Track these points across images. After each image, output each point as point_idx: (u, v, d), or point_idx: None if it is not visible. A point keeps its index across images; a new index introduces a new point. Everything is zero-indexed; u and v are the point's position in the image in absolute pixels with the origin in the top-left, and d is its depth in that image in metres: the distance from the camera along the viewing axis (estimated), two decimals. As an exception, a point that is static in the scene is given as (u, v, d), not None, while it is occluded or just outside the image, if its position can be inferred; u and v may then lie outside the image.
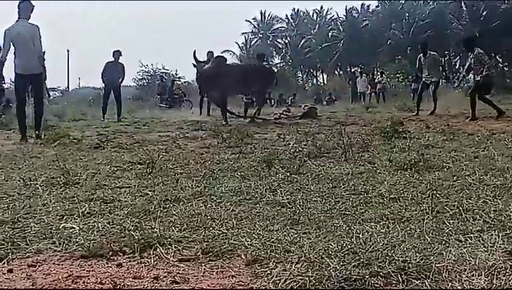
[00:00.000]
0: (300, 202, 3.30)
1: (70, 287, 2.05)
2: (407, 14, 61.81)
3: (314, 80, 71.14)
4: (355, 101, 30.70)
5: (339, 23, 68.39)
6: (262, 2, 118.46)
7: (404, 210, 3.03)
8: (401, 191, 3.53)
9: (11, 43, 8.58)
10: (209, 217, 2.97)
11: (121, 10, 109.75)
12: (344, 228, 2.70)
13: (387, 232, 2.57)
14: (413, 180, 3.96)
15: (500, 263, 2.07)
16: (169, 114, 18.94)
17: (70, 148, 6.66)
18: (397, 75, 48.71)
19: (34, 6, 8.82)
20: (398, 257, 2.15)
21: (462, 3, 56.73)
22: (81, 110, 16.78)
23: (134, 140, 8.09)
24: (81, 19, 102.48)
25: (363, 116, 14.51)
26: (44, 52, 9.47)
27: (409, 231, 2.58)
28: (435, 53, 14.38)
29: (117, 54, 15.83)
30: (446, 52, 61.75)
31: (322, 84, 64.43)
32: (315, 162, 4.96)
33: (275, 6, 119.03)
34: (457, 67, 61.56)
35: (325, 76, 71.05)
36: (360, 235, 2.50)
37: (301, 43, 67.93)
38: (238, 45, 74.82)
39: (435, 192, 3.43)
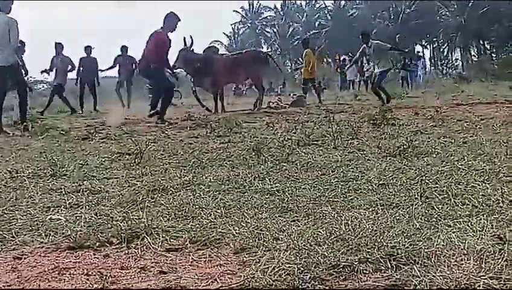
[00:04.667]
0: (289, 190, 3.28)
1: (56, 279, 2.02)
2: (393, 3, 61.76)
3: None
4: (344, 89, 30.72)
5: (327, 12, 68.36)
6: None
7: (393, 196, 3.01)
8: (390, 178, 3.52)
9: None
10: (197, 207, 2.95)
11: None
12: (333, 215, 2.69)
13: (376, 218, 2.56)
14: (402, 166, 3.95)
15: (489, 247, 2.06)
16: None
17: (58, 139, 6.61)
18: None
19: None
20: (387, 243, 2.13)
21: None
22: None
23: (122, 131, 8.04)
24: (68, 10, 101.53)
25: (352, 104, 14.51)
26: (24, 44, 9.47)
27: (397, 217, 2.57)
28: (377, 41, 14.41)
29: (88, 49, 16.20)
30: (434, 39, 61.89)
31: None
32: (304, 150, 4.94)
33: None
34: (445, 54, 61.74)
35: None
36: (349, 222, 2.48)
37: (289, 32, 67.81)
38: (226, 34, 74.56)
39: (423, 178, 3.42)
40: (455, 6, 56.10)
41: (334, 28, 63.22)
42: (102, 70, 17.06)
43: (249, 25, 74.43)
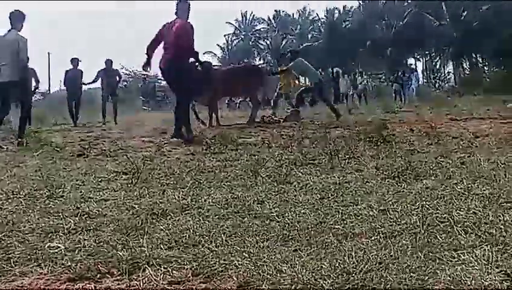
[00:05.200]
0: (289, 215, 3.25)
1: (57, 314, 1.99)
2: (386, 16, 62.08)
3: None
4: (338, 102, 30.77)
5: (319, 24, 68.67)
6: (244, 3, 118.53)
7: (394, 223, 2.99)
8: (390, 203, 3.50)
9: None
10: (197, 233, 2.92)
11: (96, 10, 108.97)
12: (335, 244, 2.66)
13: (379, 249, 2.53)
14: (401, 189, 3.94)
15: (497, 284, 2.05)
16: (152, 117, 18.85)
17: (53, 156, 6.55)
18: (378, 75, 49.04)
19: (25, 16, 9.23)
20: (393, 278, 2.11)
21: (443, 4, 57.05)
22: (63, 114, 16.64)
23: (117, 146, 8.00)
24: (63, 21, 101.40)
25: (345, 119, 14.50)
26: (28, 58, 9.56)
27: (401, 248, 2.55)
28: (302, 60, 14.67)
29: (75, 61, 16.11)
30: (427, 53, 62.19)
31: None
32: (301, 171, 4.92)
33: (256, 7, 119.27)
34: (437, 67, 62.00)
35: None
36: (353, 253, 2.46)
37: (283, 44, 67.99)
38: (220, 46, 74.72)
39: (424, 203, 3.41)
40: (447, 20, 56.38)
41: (327, 40, 63.42)
42: (85, 84, 16.97)
43: (242, 36, 74.64)
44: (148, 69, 9.32)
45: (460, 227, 2.85)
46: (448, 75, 60.04)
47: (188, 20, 8.76)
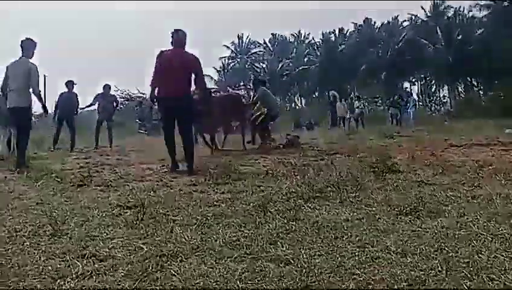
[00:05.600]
0: (304, 258, 3.14)
1: None
2: (382, 40, 62.52)
3: (293, 104, 71.43)
4: (335, 126, 30.78)
5: (316, 48, 69.07)
6: (240, 27, 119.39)
7: (415, 268, 2.89)
8: (408, 244, 3.40)
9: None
10: (211, 280, 2.81)
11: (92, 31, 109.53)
12: (358, 293, 2.56)
13: (405, 301, 2.43)
14: (416, 228, 3.84)
15: None
16: (149, 141, 18.75)
17: (53, 187, 6.43)
18: (375, 99, 49.21)
19: (36, 43, 9.51)
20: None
21: (437, 28, 57.50)
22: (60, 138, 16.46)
23: (118, 175, 7.90)
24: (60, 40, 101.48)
25: (345, 144, 14.46)
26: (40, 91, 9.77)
27: (428, 298, 2.45)
28: (265, 89, 14.91)
29: (70, 84, 15.97)
30: (422, 76, 62.54)
31: (301, 108, 64.68)
32: (310, 206, 4.82)
33: (252, 30, 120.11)
34: (433, 90, 62.34)
35: (303, 100, 71.51)
36: (379, 306, 2.35)
37: (279, 67, 68.34)
38: (216, 69, 75.06)
39: (442, 244, 3.31)
40: (442, 44, 56.78)
41: (323, 64, 63.76)
42: (82, 109, 16.87)
43: (239, 59, 74.99)
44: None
45: (485, 273, 2.75)
46: (444, 98, 60.38)
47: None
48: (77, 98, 16.16)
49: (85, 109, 17.62)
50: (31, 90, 9.31)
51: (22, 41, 9.35)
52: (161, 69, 8.43)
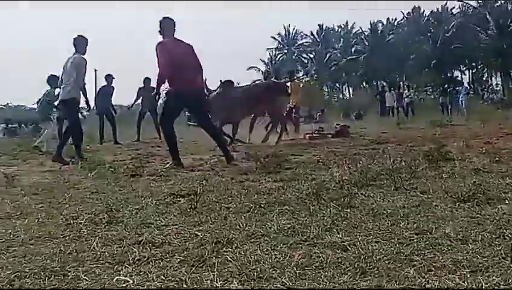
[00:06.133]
0: (361, 245, 3.08)
1: None
2: (431, 28, 61.30)
3: (340, 94, 70.84)
4: (384, 116, 30.43)
5: (364, 38, 68.21)
6: (287, 18, 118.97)
7: (478, 255, 2.79)
8: (467, 230, 3.30)
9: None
10: (268, 265, 2.78)
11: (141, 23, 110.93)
12: (418, 280, 2.48)
13: (469, 287, 2.35)
14: (475, 215, 3.72)
15: None
16: (198, 133, 18.83)
17: (107, 177, 6.53)
18: (425, 88, 48.34)
19: (87, 40, 9.95)
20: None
21: (488, 15, 56.02)
22: (108, 131, 16.71)
23: (169, 165, 7.97)
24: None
25: (395, 133, 14.28)
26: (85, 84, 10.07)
27: (493, 284, 2.36)
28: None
29: (109, 78, 16.13)
30: (473, 64, 61.12)
31: (348, 98, 64.09)
32: (364, 193, 4.74)
33: (299, 22, 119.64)
34: (484, 79, 60.89)
35: (351, 90, 70.87)
36: (443, 293, 2.29)
37: (327, 57, 67.83)
38: (264, 61, 75.09)
39: (504, 231, 3.20)
40: (494, 31, 55.32)
41: (371, 53, 62.97)
42: (130, 108, 17.25)
43: (286, 51, 74.79)
44: None
45: (552, 260, 2.65)
46: (497, 86, 58.89)
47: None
48: (113, 92, 16.41)
49: (133, 105, 17.94)
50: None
51: (74, 39, 9.75)
52: (172, 60, 8.02)
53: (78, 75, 9.54)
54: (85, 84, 9.88)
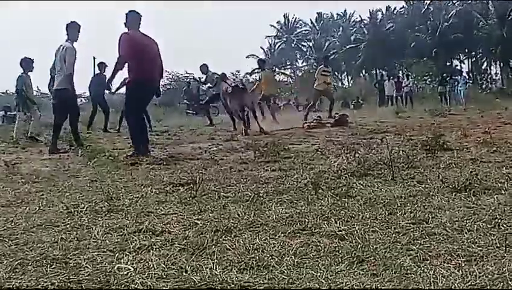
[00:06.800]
0: (358, 234, 3.13)
1: None
2: (430, 16, 61.09)
3: (339, 83, 70.74)
4: (383, 105, 30.42)
5: (363, 26, 68.05)
6: (286, 5, 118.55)
7: (473, 244, 2.84)
8: (463, 220, 3.34)
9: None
10: (267, 254, 2.82)
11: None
12: (414, 268, 2.53)
13: (464, 275, 2.39)
14: (471, 205, 3.77)
15: None
16: (197, 121, 18.90)
17: (107, 166, 6.55)
18: (424, 77, 48.24)
19: (80, 26, 9.62)
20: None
21: (489, 3, 55.85)
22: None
23: (168, 154, 8.02)
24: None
25: (394, 122, 14.31)
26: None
27: (487, 273, 2.41)
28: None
29: (102, 66, 16.03)
30: (473, 53, 60.99)
31: (347, 87, 64.02)
32: (362, 183, 4.79)
33: (298, 10, 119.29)
34: (483, 68, 60.79)
35: (349, 79, 70.83)
36: (437, 281, 2.33)
37: (326, 46, 67.68)
38: (263, 49, 74.96)
39: (500, 221, 3.25)
40: (495, 19, 55.19)
41: (370, 42, 62.81)
42: (113, 93, 17.19)
43: (285, 39, 74.66)
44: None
45: (546, 250, 2.70)
46: (496, 76, 58.82)
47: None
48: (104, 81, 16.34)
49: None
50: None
51: (67, 24, 9.51)
52: (138, 51, 8.15)
53: (67, 64, 9.31)
54: (71, 73, 9.51)
